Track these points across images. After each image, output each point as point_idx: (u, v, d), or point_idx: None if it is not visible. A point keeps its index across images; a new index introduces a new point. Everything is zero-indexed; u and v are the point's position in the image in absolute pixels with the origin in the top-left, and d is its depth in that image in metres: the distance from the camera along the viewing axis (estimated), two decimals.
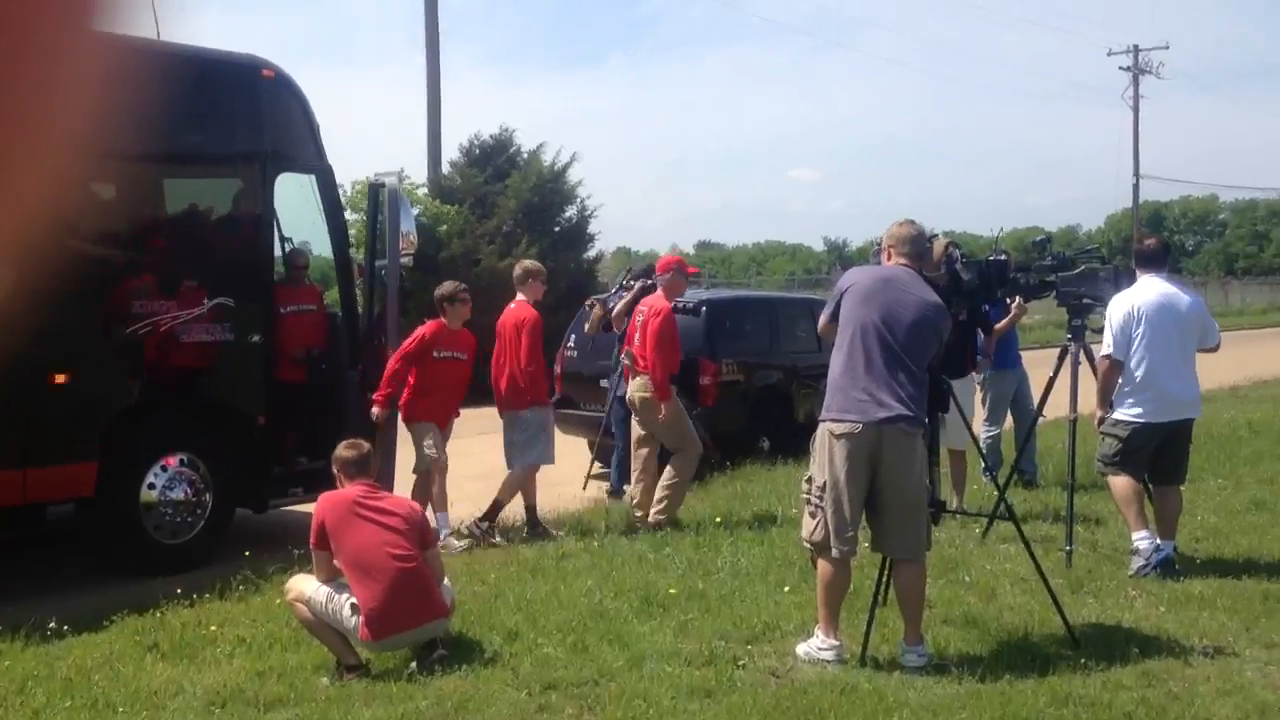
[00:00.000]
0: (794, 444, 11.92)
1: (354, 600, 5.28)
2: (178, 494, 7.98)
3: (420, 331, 8.62)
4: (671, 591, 6.30)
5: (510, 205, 21.27)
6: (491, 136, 22.57)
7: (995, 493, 6.53)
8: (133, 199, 8.13)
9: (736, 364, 11.80)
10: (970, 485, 8.93)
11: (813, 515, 5.22)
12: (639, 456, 8.97)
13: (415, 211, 20.67)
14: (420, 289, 19.90)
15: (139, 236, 8.09)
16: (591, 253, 23.05)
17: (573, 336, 12.55)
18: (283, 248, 9.56)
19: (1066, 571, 6.67)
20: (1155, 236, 8.03)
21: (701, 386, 11.32)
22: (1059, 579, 6.49)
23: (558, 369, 12.45)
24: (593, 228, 22.85)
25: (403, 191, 9.39)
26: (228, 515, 8.38)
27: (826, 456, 5.16)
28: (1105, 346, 6.90)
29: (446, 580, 5.74)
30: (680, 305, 11.69)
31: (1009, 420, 9.83)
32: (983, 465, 7.92)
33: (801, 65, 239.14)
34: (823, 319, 5.55)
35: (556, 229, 21.99)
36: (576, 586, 6.66)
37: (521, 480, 8.76)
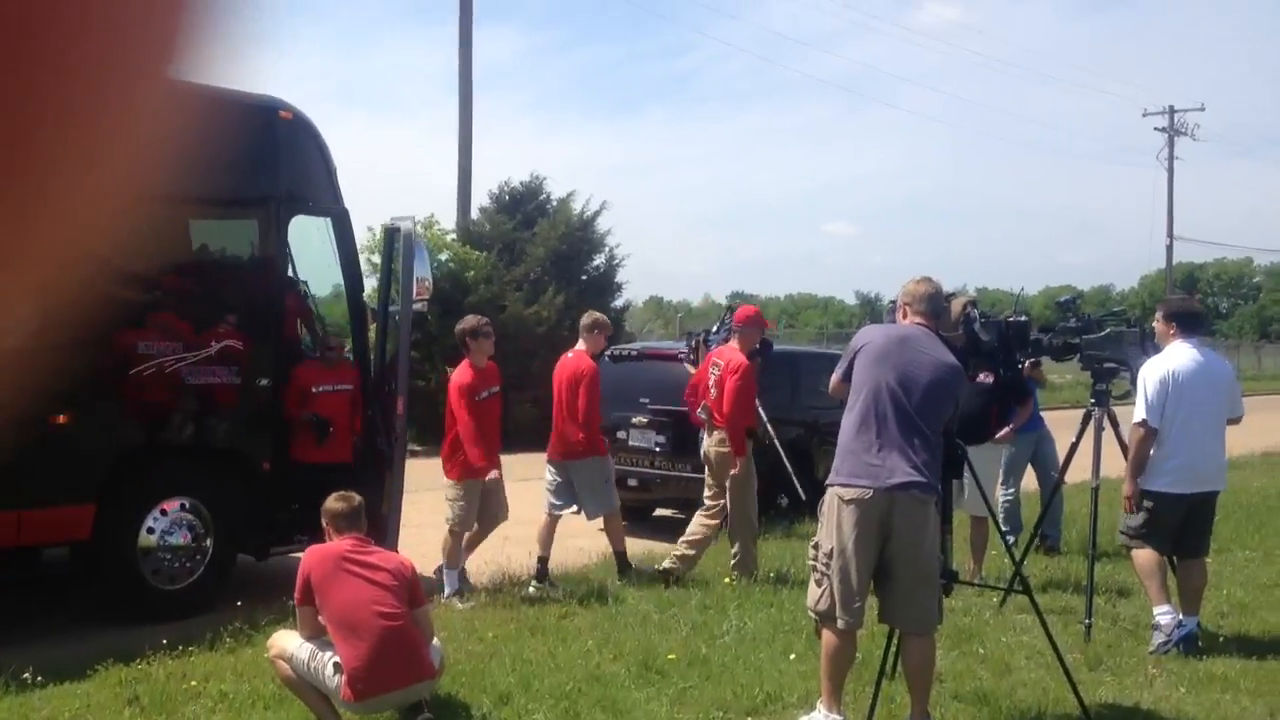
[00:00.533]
0: (813, 499, 11.71)
1: (337, 659, 5.09)
2: (177, 539, 7.84)
3: (459, 380, 8.40)
4: (671, 657, 6.07)
5: (539, 252, 21.24)
6: (521, 183, 22.61)
7: (1015, 561, 6.26)
8: (144, 239, 8.06)
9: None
10: (990, 551, 8.65)
11: (818, 583, 5.00)
12: (704, 512, 8.87)
13: (444, 256, 20.80)
14: (444, 333, 19.83)
15: (147, 276, 8.02)
16: (619, 301, 22.98)
17: None
18: (299, 289, 9.48)
19: (1085, 646, 6.40)
20: (1187, 297, 7.80)
21: None
22: (1076, 654, 6.21)
23: None
24: (620, 276, 22.80)
25: (420, 237, 9.27)
26: (228, 562, 8.22)
27: (835, 522, 4.94)
28: (1139, 413, 6.64)
29: (437, 640, 5.54)
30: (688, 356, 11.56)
31: (1031, 482, 9.56)
32: (1001, 531, 7.66)
33: (839, 120, 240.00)
34: (835, 377, 5.36)
35: (584, 277, 21.94)
36: (575, 647, 6.44)
37: (617, 525, 8.94)
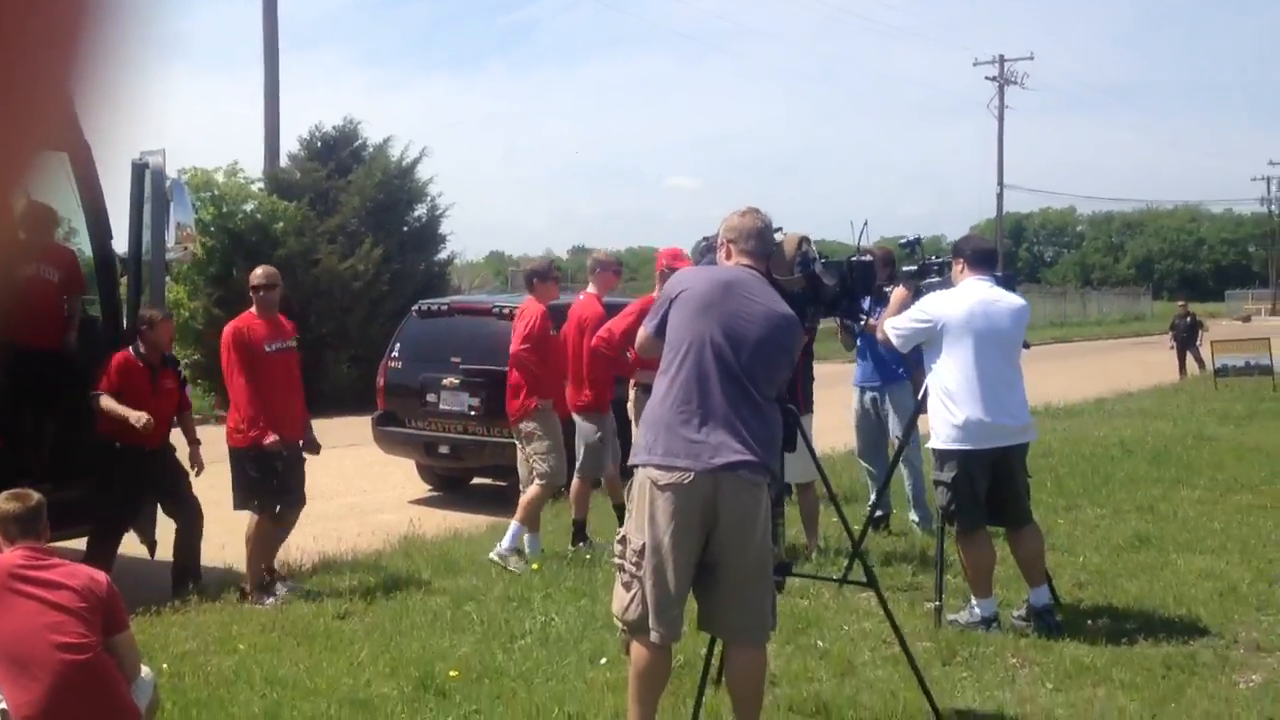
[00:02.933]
0: None
1: (4, 706, 3.91)
2: None
3: (534, 313, 7.78)
4: (453, 674, 5.03)
5: (354, 202, 19.79)
6: (335, 128, 21.08)
7: (854, 542, 5.39)
8: None
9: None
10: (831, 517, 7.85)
11: (627, 586, 4.01)
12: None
13: (249, 207, 19.16)
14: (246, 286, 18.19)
15: None
16: (443, 254, 21.66)
17: (397, 345, 11.17)
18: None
19: (936, 632, 5.60)
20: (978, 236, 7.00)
21: None
22: (928, 642, 5.42)
23: (381, 381, 11.09)
24: (444, 228, 21.48)
25: (179, 178, 7.93)
26: None
27: (646, 513, 3.96)
28: (893, 330, 5.84)
29: (147, 671, 4.39)
30: (508, 311, 10.50)
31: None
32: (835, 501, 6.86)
33: (681, 74, 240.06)
34: (643, 332, 4.37)
35: (405, 229, 20.57)
36: (344, 660, 5.37)
37: (584, 491, 8.03)
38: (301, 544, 8.06)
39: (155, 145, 7.66)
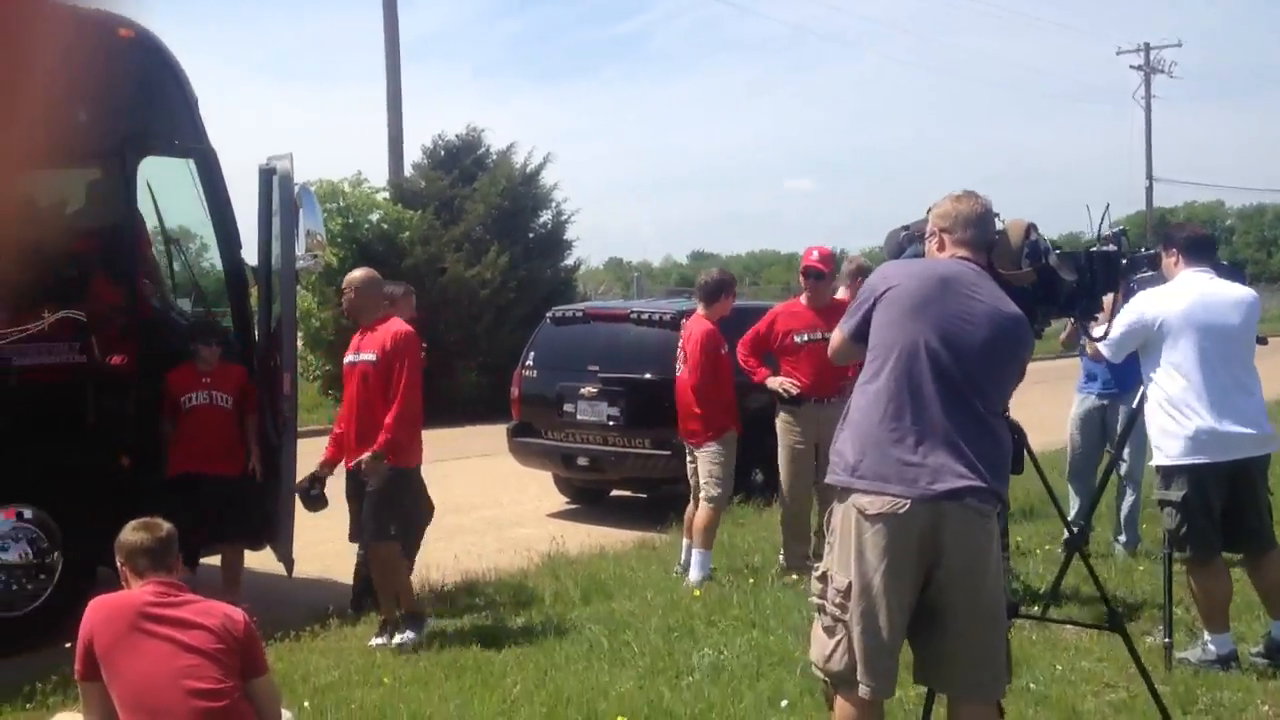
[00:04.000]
0: None
1: None
2: (12, 555, 6.29)
3: (704, 331, 7.27)
4: (621, 719, 4.50)
5: (479, 210, 19.52)
6: (457, 136, 20.85)
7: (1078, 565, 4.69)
8: None
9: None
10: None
11: (829, 631, 3.43)
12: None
13: (375, 217, 19.03)
14: None
15: None
16: (569, 260, 21.28)
17: (531, 354, 10.75)
18: (169, 246, 7.83)
19: (1169, 674, 4.88)
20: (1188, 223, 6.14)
21: None
22: (1161, 685, 4.71)
23: (515, 391, 10.68)
24: (570, 233, 21.08)
25: (306, 186, 7.54)
26: (86, 578, 6.58)
27: (853, 548, 3.37)
28: (1107, 342, 5.06)
29: (288, 717, 3.97)
30: (654, 317, 9.99)
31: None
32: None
33: (799, 74, 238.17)
34: (839, 334, 3.79)
35: (530, 235, 20.23)
36: (497, 695, 4.89)
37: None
38: (442, 562, 7.67)
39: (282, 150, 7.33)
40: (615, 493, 10.99)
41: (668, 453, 9.09)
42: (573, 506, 10.89)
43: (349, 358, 6.27)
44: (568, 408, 10.13)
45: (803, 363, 7.07)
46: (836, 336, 3.80)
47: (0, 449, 6.37)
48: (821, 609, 3.47)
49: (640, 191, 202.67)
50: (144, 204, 7.27)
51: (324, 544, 8.53)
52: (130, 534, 3.78)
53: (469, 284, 18.71)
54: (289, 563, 6.94)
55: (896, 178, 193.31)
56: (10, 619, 6.27)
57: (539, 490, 11.27)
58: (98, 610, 3.64)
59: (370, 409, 6.03)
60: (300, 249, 7.21)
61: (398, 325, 6.16)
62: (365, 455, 5.89)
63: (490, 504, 11.01)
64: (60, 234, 6.85)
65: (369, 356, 6.09)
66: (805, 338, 7.08)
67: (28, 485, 6.43)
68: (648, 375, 9.61)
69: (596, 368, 10.04)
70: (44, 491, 6.46)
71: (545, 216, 20.71)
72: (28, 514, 6.37)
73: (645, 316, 9.95)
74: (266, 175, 7.30)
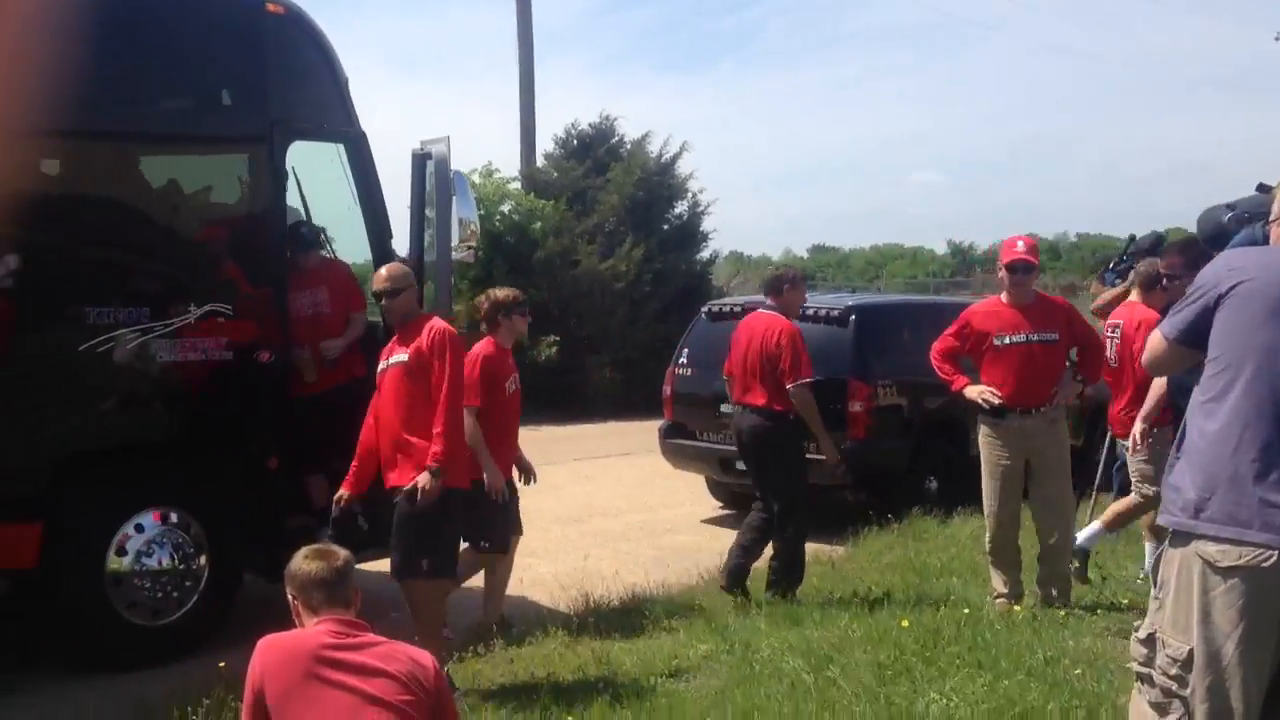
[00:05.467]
0: (968, 486, 9.45)
1: None
2: (159, 561, 5.93)
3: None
4: None
5: (612, 200, 19.02)
6: (591, 125, 20.44)
7: None
8: (89, 178, 6.03)
9: (895, 385, 9.31)
10: None
11: (1161, 709, 2.73)
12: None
13: (506, 208, 18.66)
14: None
15: (101, 226, 5.98)
16: (705, 253, 20.64)
17: (685, 351, 10.15)
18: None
19: None
20: None
21: (851, 414, 8.89)
22: None
23: (668, 390, 10.09)
24: (706, 225, 20.44)
25: (463, 174, 7.06)
26: (232, 584, 6.28)
27: (1197, 607, 2.68)
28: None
29: None
30: (821, 312, 9.30)
31: None
32: None
33: (925, 64, 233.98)
34: (1158, 338, 3.07)
35: (665, 227, 19.66)
36: None
37: None
38: (603, 572, 7.14)
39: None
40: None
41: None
42: (728, 512, 10.27)
43: (381, 364, 5.47)
44: (725, 408, 9.50)
45: (1006, 369, 6.21)
46: (1156, 341, 3.08)
47: (148, 447, 6.07)
48: (1147, 679, 2.78)
49: (759, 184, 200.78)
50: (290, 191, 6.85)
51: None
52: (303, 563, 3.26)
53: (602, 277, 18.23)
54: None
55: (1030, 170, 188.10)
56: (155, 628, 5.93)
57: (689, 493, 10.69)
58: (269, 653, 3.11)
59: (408, 416, 5.25)
60: (454, 239, 6.75)
61: (436, 321, 5.41)
62: (421, 477, 5.09)
63: (639, 508, 10.46)
64: (205, 223, 6.48)
65: (401, 357, 5.32)
66: (1008, 340, 6.22)
67: (175, 486, 6.12)
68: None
69: None
70: (191, 493, 6.14)
71: (680, 207, 20.14)
72: (174, 517, 6.03)
73: (810, 311, 9.25)
74: (420, 160, 6.82)
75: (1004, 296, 6.39)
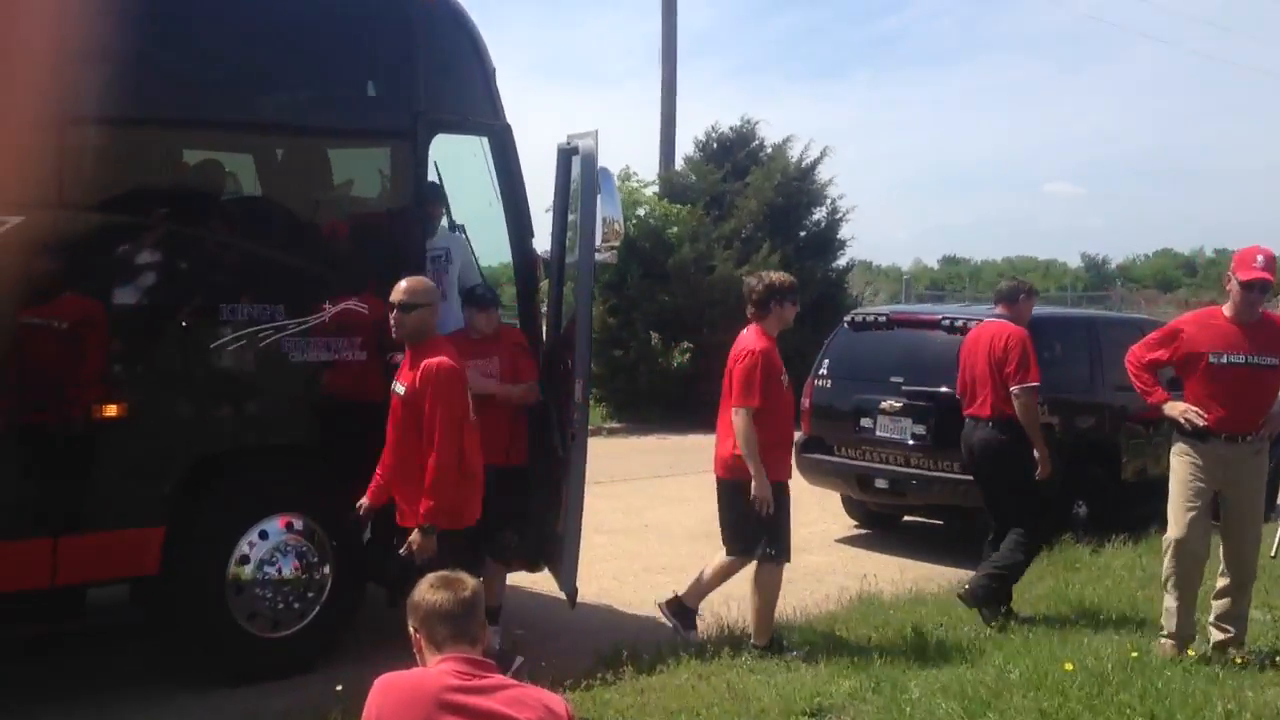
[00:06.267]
0: (1122, 513, 8.90)
1: None
2: (282, 569, 5.76)
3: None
4: None
5: (750, 205, 18.67)
6: (731, 128, 20.12)
7: None
8: (220, 172, 5.94)
9: (1046, 403, 8.79)
10: None
11: None
12: None
13: (642, 212, 18.44)
14: (645, 298, 17.57)
15: (231, 220, 5.90)
16: (841, 261, 20.14)
17: (825, 362, 9.77)
18: (453, 226, 7.27)
19: None
20: None
21: None
22: None
23: (806, 402, 9.73)
24: (843, 232, 19.92)
25: (609, 171, 6.79)
26: (355, 596, 6.09)
27: None
28: None
29: None
30: (966, 325, 8.83)
31: None
32: None
33: (1059, 77, 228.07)
34: None
35: (802, 233, 19.23)
36: None
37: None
38: (734, 591, 6.82)
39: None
40: (907, 518, 9.95)
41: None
42: (862, 532, 9.88)
43: (394, 384, 5.24)
44: (865, 423, 9.13)
45: (1217, 389, 5.67)
46: None
47: (273, 450, 5.94)
48: None
49: (889, 193, 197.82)
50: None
51: (601, 563, 7.87)
52: (428, 593, 2.99)
53: (738, 283, 17.80)
54: (572, 592, 6.16)
55: (1166, 182, 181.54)
56: (277, 640, 5.76)
57: (820, 510, 10.32)
58: (387, 694, 2.85)
59: (404, 454, 5.08)
60: (597, 239, 6.49)
61: (434, 352, 5.02)
62: (413, 535, 4.96)
63: None
64: (344, 218, 6.35)
65: (399, 388, 5.10)
66: (1225, 359, 5.66)
67: (300, 492, 5.93)
68: None
69: (901, 379, 9.02)
70: (316, 499, 5.92)
71: (819, 214, 19.67)
72: (298, 524, 5.84)
73: (960, 324, 8.80)
74: (565, 156, 6.60)
75: (1226, 310, 5.81)
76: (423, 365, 4.95)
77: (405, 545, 4.94)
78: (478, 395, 5.50)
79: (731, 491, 5.99)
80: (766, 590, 5.90)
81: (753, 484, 5.72)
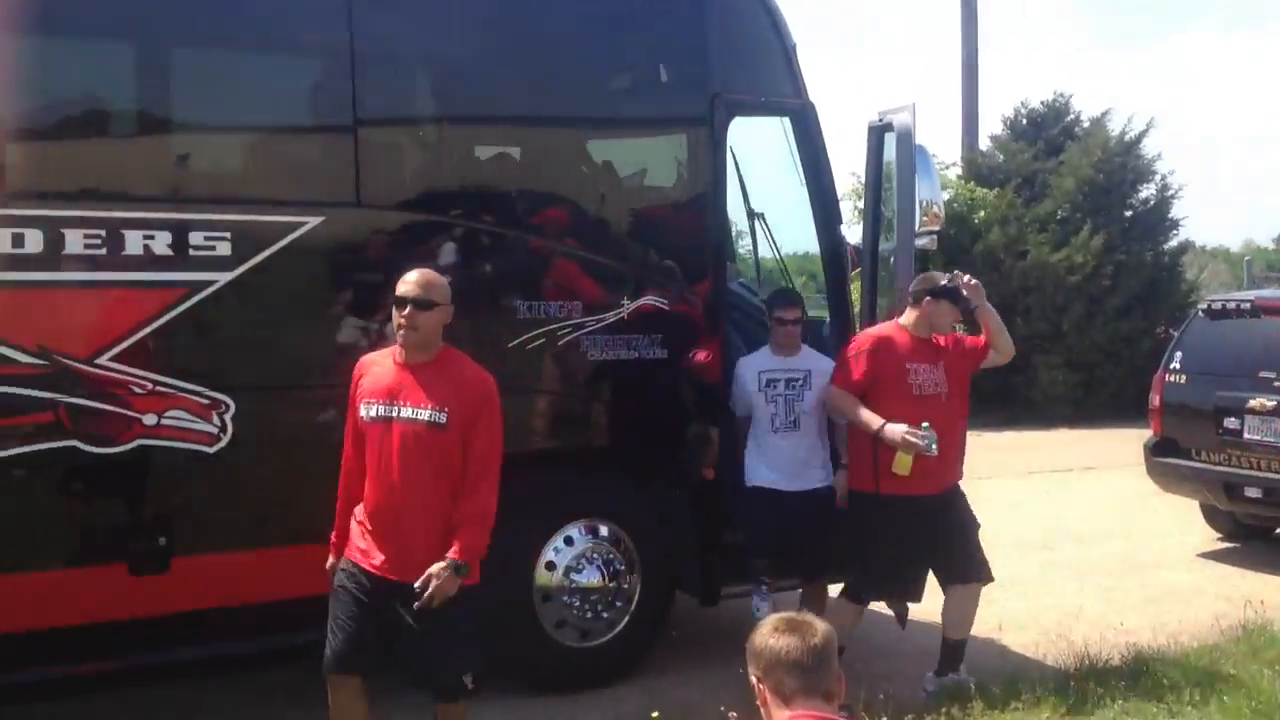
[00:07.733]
0: None
1: None
2: (589, 578, 5.44)
3: None
4: None
5: (1066, 185, 17.20)
6: (1043, 103, 18.68)
7: None
8: (510, 161, 5.61)
9: None
10: None
11: None
12: None
13: (945, 196, 17.35)
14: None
15: (523, 213, 5.57)
16: (1173, 243, 18.26)
17: (1178, 355, 8.61)
18: (752, 222, 6.78)
19: None
20: None
21: None
22: None
23: (1156, 400, 8.60)
24: (1175, 211, 18.06)
25: (925, 149, 6.06)
26: (663, 606, 5.72)
27: None
28: None
29: None
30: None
31: None
32: None
33: None
34: None
35: (1127, 214, 17.56)
36: None
37: None
38: (1089, 612, 5.94)
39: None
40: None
41: None
42: (1228, 546, 8.65)
43: (378, 408, 3.98)
44: (1230, 424, 7.96)
45: None
46: None
47: (577, 453, 5.58)
48: None
49: (1215, 167, 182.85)
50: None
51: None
52: (772, 637, 2.44)
53: (1055, 269, 16.53)
54: (902, 613, 5.52)
55: None
56: (582, 650, 5.45)
57: (1174, 520, 9.17)
58: None
59: (413, 497, 3.92)
60: (916, 223, 5.80)
61: (463, 365, 4.05)
62: (437, 568, 3.80)
63: (1114, 534, 9.05)
64: (639, 209, 5.90)
65: (427, 415, 3.90)
66: None
67: (605, 496, 5.59)
68: None
69: (1272, 375, 7.81)
70: (622, 504, 5.59)
71: (1146, 192, 17.91)
72: (604, 530, 5.50)
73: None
74: (878, 133, 5.94)
75: None
76: (465, 383, 3.98)
77: (424, 579, 3.81)
78: None
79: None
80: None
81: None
